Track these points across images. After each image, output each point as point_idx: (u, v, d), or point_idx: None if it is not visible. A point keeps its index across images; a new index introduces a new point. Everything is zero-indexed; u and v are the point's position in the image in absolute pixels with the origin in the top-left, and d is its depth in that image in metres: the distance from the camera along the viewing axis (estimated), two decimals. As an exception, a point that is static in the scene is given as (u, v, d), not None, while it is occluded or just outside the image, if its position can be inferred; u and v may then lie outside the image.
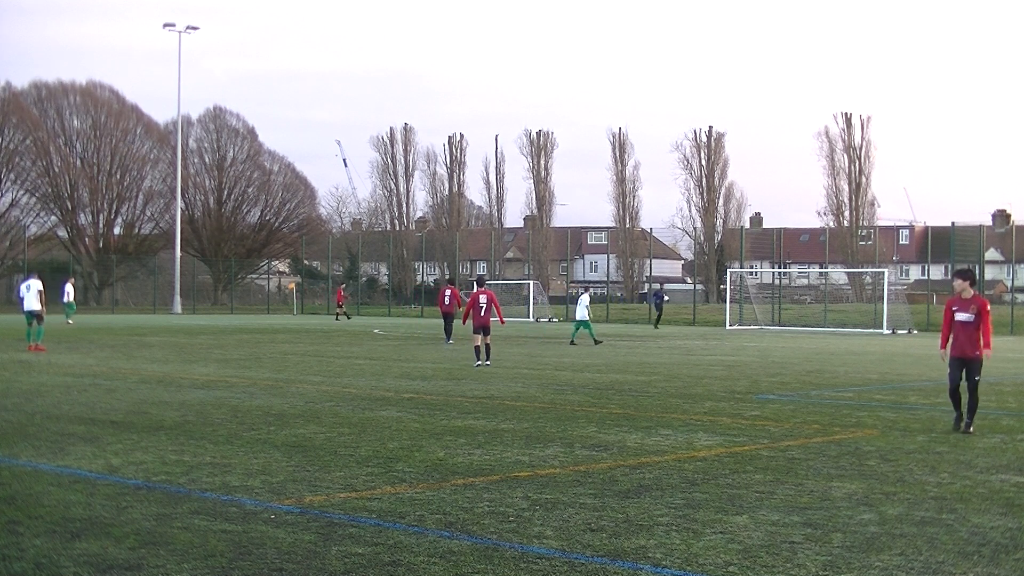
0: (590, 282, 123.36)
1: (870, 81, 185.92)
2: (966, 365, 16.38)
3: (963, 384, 16.37)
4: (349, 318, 69.85)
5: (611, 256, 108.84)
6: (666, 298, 70.05)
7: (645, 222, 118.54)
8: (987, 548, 8.81)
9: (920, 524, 9.71)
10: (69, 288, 59.43)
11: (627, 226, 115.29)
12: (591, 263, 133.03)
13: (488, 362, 28.96)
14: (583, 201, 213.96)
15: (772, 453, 13.95)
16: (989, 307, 16.43)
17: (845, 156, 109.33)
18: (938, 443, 15.03)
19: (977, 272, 73.60)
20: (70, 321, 56.99)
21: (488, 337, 29.37)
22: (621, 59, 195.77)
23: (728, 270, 77.04)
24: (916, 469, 12.78)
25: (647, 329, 60.20)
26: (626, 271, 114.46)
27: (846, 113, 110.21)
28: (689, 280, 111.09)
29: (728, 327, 63.87)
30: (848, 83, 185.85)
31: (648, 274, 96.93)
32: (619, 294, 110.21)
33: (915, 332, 60.32)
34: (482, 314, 29.57)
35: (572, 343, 42.17)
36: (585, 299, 44.07)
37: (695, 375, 27.08)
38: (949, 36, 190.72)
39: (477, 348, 29.19)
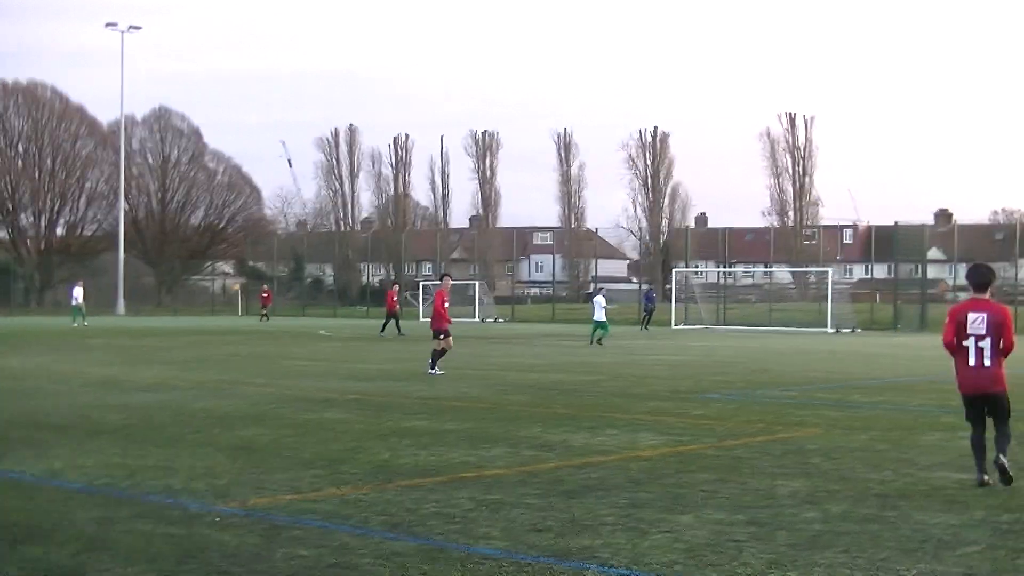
0: (536, 282, 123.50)
1: (813, 82, 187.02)
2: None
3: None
4: (268, 319, 68.56)
5: (557, 256, 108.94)
6: (654, 296, 69.78)
7: (591, 222, 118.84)
8: (929, 544, 8.88)
9: (863, 521, 9.78)
10: (78, 292, 59.55)
11: (572, 226, 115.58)
12: (537, 263, 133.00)
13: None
14: (529, 202, 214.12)
15: (716, 452, 14.00)
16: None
17: (788, 156, 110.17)
18: (880, 441, 15.13)
19: (920, 271, 74.40)
20: (75, 324, 56.95)
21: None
22: (566, 60, 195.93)
23: (673, 270, 77.24)
24: (859, 467, 12.86)
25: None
26: (572, 271, 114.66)
27: (790, 113, 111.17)
28: (635, 280, 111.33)
29: (674, 327, 64.08)
30: (792, 84, 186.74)
31: (594, 274, 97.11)
32: (564, 294, 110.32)
33: (859, 331, 60.74)
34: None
35: (598, 343, 41.63)
36: (601, 300, 43.76)
37: (639, 375, 27.15)
38: (891, 37, 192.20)
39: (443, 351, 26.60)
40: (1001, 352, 11.60)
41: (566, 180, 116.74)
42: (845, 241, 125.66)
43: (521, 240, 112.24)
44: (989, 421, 11.78)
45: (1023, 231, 75.75)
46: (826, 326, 62.59)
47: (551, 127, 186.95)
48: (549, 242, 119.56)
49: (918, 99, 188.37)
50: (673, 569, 8.13)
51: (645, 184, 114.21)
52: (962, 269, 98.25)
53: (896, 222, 73.04)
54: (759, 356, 35.92)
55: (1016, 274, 78.83)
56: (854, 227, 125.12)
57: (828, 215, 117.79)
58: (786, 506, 10.43)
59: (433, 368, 25.91)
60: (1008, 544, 8.98)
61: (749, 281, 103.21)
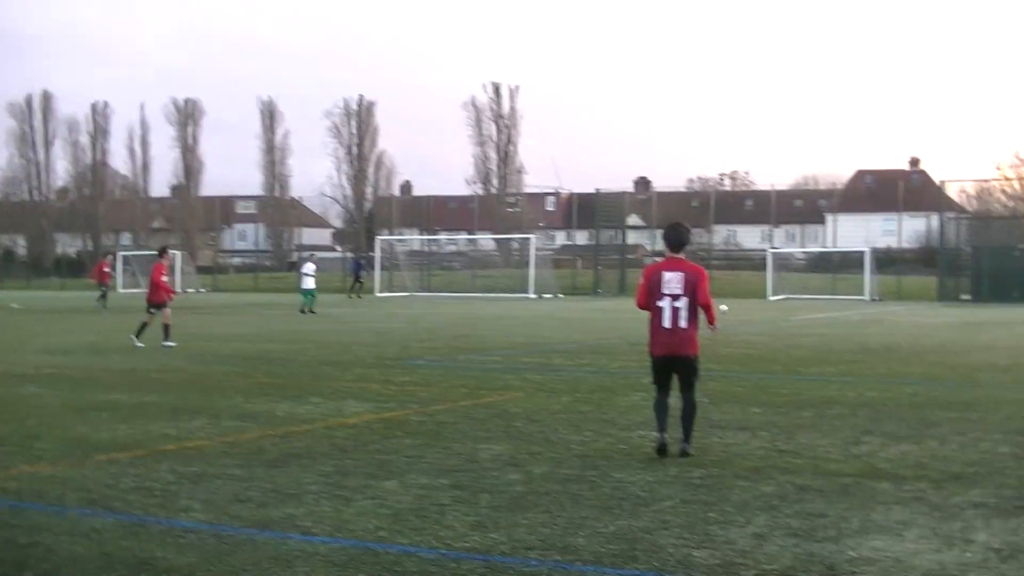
0: (239, 252, 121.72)
1: (517, 52, 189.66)
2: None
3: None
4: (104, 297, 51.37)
5: (260, 225, 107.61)
6: (363, 264, 69.41)
7: (296, 191, 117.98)
8: (627, 502, 9.12)
9: (565, 482, 9.97)
10: None
11: (277, 195, 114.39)
12: (240, 232, 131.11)
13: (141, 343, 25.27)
14: (233, 170, 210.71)
15: (421, 418, 14.06)
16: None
17: (493, 125, 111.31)
18: (582, 403, 15.47)
19: (620, 237, 76.35)
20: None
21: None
22: (271, 26, 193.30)
23: (378, 238, 77.36)
24: (561, 429, 13.11)
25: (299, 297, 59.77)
26: (276, 240, 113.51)
27: (494, 83, 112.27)
28: (339, 248, 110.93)
29: (379, 294, 64.12)
30: (496, 54, 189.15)
31: (298, 243, 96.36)
32: (268, 263, 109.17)
33: (561, 296, 62.02)
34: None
35: (310, 311, 41.51)
36: (310, 267, 43.52)
37: (345, 342, 27.09)
38: (591, 9, 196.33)
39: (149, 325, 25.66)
40: (698, 309, 11.34)
41: (270, 148, 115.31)
42: (548, 208, 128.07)
43: (224, 209, 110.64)
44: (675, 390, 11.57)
45: (718, 198, 78.56)
46: (529, 292, 63.70)
47: (256, 94, 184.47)
48: (253, 211, 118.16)
49: (618, 70, 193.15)
50: (377, 535, 8.12)
51: (350, 152, 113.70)
52: (661, 235, 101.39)
53: (597, 190, 74.99)
54: (464, 322, 36.28)
55: (711, 239, 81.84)
56: (556, 195, 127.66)
57: (531, 183, 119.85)
58: (489, 469, 10.55)
59: (167, 340, 25.16)
60: (699, 498, 9.30)
61: (453, 248, 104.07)
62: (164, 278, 26.62)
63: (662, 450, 11.06)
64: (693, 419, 11.37)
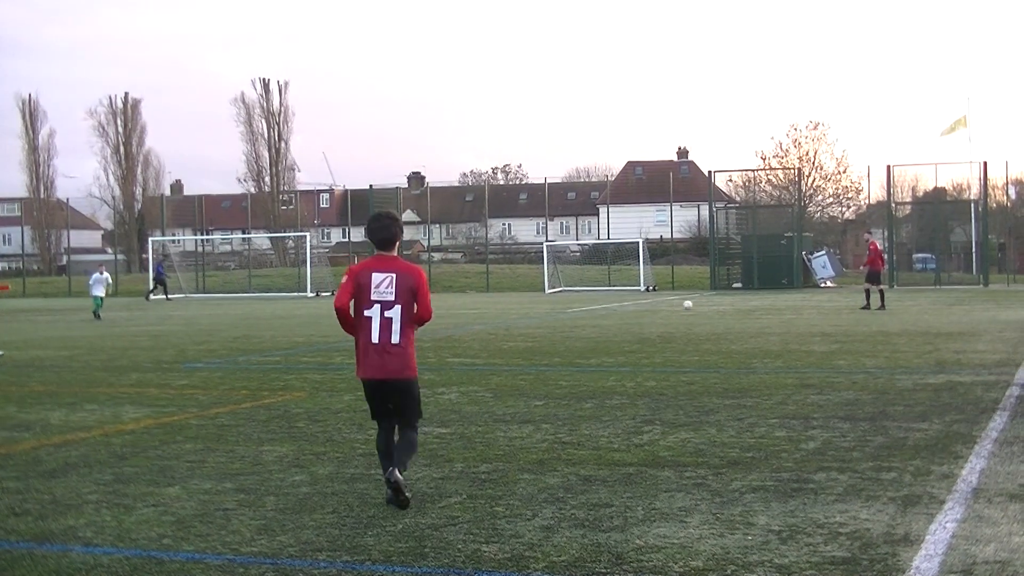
0: (3, 256, 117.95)
1: (286, 48, 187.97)
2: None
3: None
4: None
5: (26, 228, 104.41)
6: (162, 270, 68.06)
7: (62, 192, 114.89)
8: (414, 499, 9.08)
9: (351, 481, 9.92)
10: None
11: (42, 196, 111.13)
12: (4, 236, 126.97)
13: None
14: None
15: (201, 421, 13.82)
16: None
17: (264, 122, 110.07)
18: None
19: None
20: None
21: None
22: (24, 22, 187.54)
23: (150, 239, 75.85)
24: (344, 428, 13.04)
25: (69, 302, 58.27)
26: (42, 243, 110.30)
27: (264, 79, 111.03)
28: (110, 250, 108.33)
29: (152, 297, 62.90)
30: (265, 50, 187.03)
31: (67, 245, 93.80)
32: (36, 267, 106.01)
33: (327, 294, 61.67)
34: None
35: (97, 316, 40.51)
36: (101, 275, 42.52)
37: (120, 347, 26.48)
38: (359, 3, 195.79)
39: None
40: (415, 323, 9.29)
41: (33, 148, 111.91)
42: (322, 206, 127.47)
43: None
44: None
45: (492, 192, 79.15)
46: (306, 290, 63.28)
47: (15, 91, 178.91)
48: (17, 213, 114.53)
49: (389, 65, 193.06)
50: (162, 543, 7.94)
51: (117, 152, 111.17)
52: (436, 230, 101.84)
53: (371, 185, 74.77)
54: (241, 323, 35.84)
55: (487, 233, 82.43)
56: (331, 191, 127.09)
57: (305, 180, 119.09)
58: (274, 471, 10.43)
59: None
60: (486, 492, 9.34)
61: (228, 248, 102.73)
62: None
63: (394, 488, 8.87)
64: (412, 454, 9.38)
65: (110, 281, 44.14)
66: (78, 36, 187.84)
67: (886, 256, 50.79)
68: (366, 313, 9.11)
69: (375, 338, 9.07)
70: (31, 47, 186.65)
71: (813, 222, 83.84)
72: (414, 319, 9.22)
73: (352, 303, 9.20)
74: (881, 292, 37.27)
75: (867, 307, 36.74)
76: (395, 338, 9.07)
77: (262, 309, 45.75)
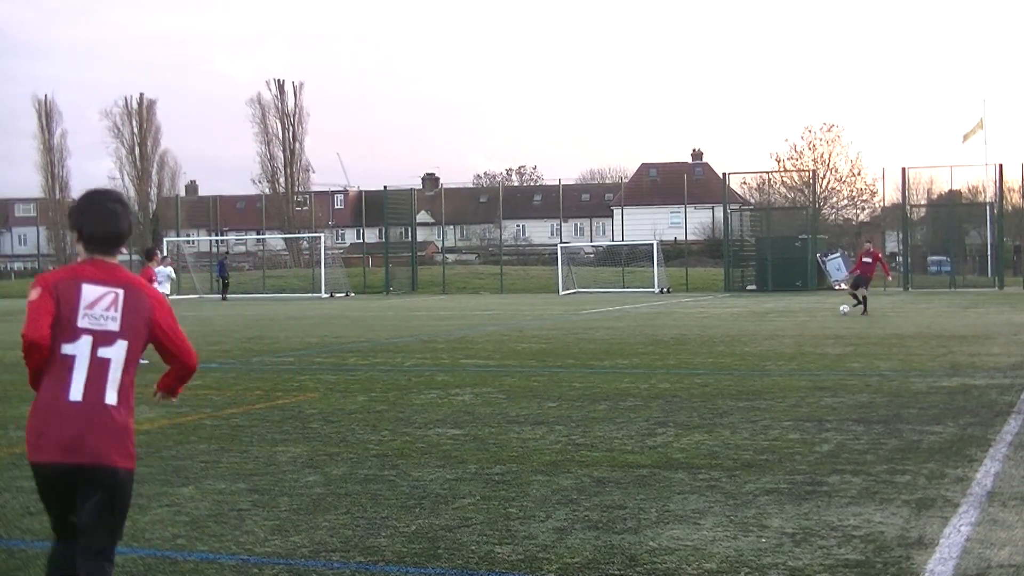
0: (19, 256, 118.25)
1: (302, 48, 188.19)
2: None
3: None
4: None
5: (41, 228, 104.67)
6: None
7: (77, 192, 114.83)
8: (427, 500, 9.11)
9: (364, 482, 9.92)
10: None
11: (57, 197, 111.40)
12: (20, 236, 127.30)
13: None
14: (10, 172, 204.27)
15: (215, 422, 13.84)
16: None
17: (279, 123, 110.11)
18: (378, 402, 15.41)
19: (409, 234, 76.34)
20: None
21: None
22: (41, 21, 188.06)
23: (164, 239, 75.98)
24: (358, 428, 13.04)
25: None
26: (58, 243, 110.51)
27: (279, 80, 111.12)
28: (125, 251, 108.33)
29: (171, 297, 63.01)
30: (281, 50, 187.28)
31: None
32: (51, 267, 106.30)
33: (352, 295, 61.75)
34: None
35: None
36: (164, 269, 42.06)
37: (135, 347, 26.47)
38: (374, 5, 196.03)
39: None
40: (170, 375, 6.25)
41: (48, 149, 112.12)
42: (336, 207, 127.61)
43: (2, 212, 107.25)
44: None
45: (506, 194, 79.15)
46: (320, 291, 63.33)
47: (31, 92, 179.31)
48: (32, 214, 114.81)
49: (404, 67, 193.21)
50: (176, 543, 7.96)
51: (132, 152, 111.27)
52: (450, 231, 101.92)
53: (385, 187, 74.81)
54: (255, 323, 35.86)
55: (501, 235, 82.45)
56: (345, 192, 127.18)
57: (319, 181, 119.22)
58: (288, 472, 10.44)
59: None
60: (499, 494, 9.34)
61: (242, 249, 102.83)
62: None
63: None
64: None
65: (173, 276, 40.20)
66: (94, 37, 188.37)
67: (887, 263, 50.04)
68: (65, 350, 5.48)
69: (75, 393, 5.47)
70: (47, 48, 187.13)
71: (827, 224, 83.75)
72: (183, 369, 6.19)
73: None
74: (864, 297, 36.38)
75: (864, 310, 36.03)
76: (110, 396, 5.55)
77: (276, 310, 45.76)
